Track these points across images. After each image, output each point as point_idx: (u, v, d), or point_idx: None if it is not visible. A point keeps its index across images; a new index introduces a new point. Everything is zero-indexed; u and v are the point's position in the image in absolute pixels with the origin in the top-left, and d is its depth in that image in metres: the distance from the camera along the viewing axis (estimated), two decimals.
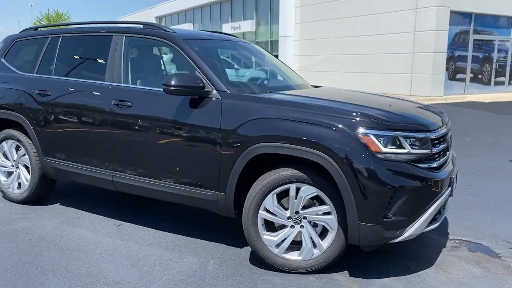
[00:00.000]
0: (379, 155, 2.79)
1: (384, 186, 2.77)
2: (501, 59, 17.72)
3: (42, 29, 4.62)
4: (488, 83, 17.53)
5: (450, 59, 16.15)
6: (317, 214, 3.02)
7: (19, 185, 4.46)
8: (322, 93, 3.89)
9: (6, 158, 4.51)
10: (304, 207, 3.04)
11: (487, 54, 17.25)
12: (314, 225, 3.07)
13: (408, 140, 2.87)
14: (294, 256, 3.09)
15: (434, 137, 3.00)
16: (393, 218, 2.83)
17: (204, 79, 3.33)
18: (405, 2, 16.00)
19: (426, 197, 2.90)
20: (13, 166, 4.47)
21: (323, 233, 3.08)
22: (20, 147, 4.38)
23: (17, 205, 4.39)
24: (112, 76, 3.77)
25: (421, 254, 3.41)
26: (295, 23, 21.46)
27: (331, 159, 2.82)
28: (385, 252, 3.38)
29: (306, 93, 3.80)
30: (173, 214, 4.23)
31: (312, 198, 3.03)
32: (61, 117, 3.98)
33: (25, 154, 4.33)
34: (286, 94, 3.58)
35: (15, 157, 4.42)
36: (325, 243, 3.03)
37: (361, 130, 2.82)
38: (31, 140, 4.24)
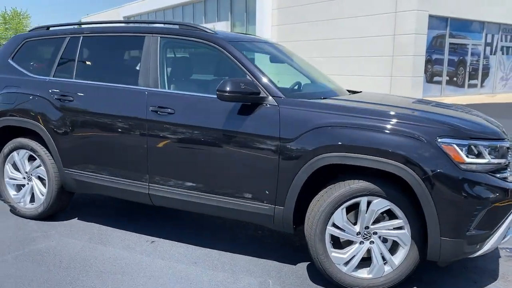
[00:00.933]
0: (462, 166, 2.64)
1: (469, 199, 2.63)
2: (474, 62, 18.21)
3: (54, 28, 4.23)
4: (462, 86, 17.99)
5: (428, 62, 16.44)
6: (388, 229, 2.84)
7: (32, 199, 4.07)
8: (379, 99, 3.70)
9: (17, 169, 4.10)
10: (373, 222, 2.85)
11: (461, 58, 17.68)
12: (384, 241, 2.89)
13: (487, 149, 2.74)
14: (363, 274, 2.90)
15: (507, 145, 2.88)
16: (474, 232, 2.70)
17: (258, 84, 3.10)
18: (384, 6, 16.17)
19: (504, 209, 2.78)
20: (24, 178, 4.07)
21: (393, 248, 2.90)
22: (33, 157, 3.99)
23: (31, 221, 4.00)
24: (147, 80, 3.47)
25: (480, 266, 3.30)
26: (272, 25, 21.32)
27: (411, 170, 2.65)
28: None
29: (364, 98, 3.60)
30: (209, 228, 3.96)
31: (381, 212, 2.85)
32: (87, 124, 3.64)
33: (40, 165, 3.94)
34: (345, 100, 3.38)
35: (28, 168, 4.03)
36: (397, 260, 2.86)
37: (442, 139, 2.67)
38: (48, 150, 3.86)
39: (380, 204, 2.79)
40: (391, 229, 2.84)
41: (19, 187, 4.16)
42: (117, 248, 3.49)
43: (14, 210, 4.12)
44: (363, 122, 2.82)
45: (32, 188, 4.04)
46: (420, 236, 2.79)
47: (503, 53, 19.36)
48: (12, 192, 4.13)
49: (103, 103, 3.59)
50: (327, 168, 2.90)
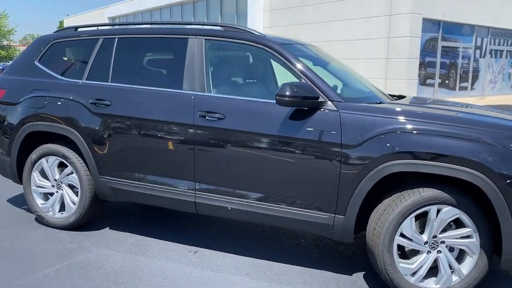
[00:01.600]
0: None
1: None
2: (465, 65, 18.46)
3: (82, 29, 4.05)
4: (454, 88, 18.21)
5: (421, 65, 16.58)
6: (457, 238, 2.76)
7: (61, 208, 3.88)
8: (438, 104, 3.62)
9: (45, 177, 3.90)
10: (441, 231, 2.78)
11: (453, 61, 17.90)
12: (450, 250, 2.82)
13: None
14: (431, 284, 2.82)
15: None
16: None
17: (316, 88, 3.00)
18: (378, 9, 16.25)
19: None
20: (53, 186, 3.87)
21: (459, 257, 2.83)
22: (63, 164, 3.80)
23: (62, 232, 3.81)
24: (192, 84, 3.33)
25: None
26: (264, 27, 21.24)
27: (487, 177, 2.58)
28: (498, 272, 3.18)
29: (421, 103, 3.51)
30: (248, 236, 3.83)
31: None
32: (126, 130, 3.47)
33: (72, 173, 3.76)
34: (407, 105, 3.30)
35: (57, 176, 3.84)
36: (465, 269, 2.78)
37: None
38: (82, 156, 3.68)
39: (450, 213, 2.72)
40: (459, 238, 2.76)
41: (46, 196, 3.96)
42: (161, 260, 3.33)
43: (41, 220, 3.91)
44: (433, 128, 2.74)
45: (61, 197, 3.85)
46: (489, 244, 2.72)
47: (491, 56, 19.69)
48: (39, 201, 3.92)
49: (145, 108, 3.43)
50: (390, 175, 2.81)
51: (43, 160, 3.83)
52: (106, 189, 3.62)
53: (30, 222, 4.01)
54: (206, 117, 3.20)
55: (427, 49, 16.77)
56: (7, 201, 4.59)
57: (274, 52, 3.20)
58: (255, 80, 3.89)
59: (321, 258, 3.45)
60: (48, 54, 3.98)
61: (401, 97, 3.88)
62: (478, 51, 18.92)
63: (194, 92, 3.30)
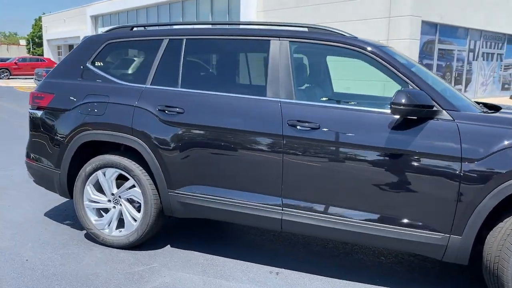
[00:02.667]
0: None
1: None
2: (459, 68, 18.62)
3: (139, 29, 3.70)
4: None
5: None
6: None
7: (120, 225, 3.52)
8: None
9: (100, 191, 3.54)
10: None
11: (448, 63, 18.02)
12: None
13: None
14: None
15: None
16: None
17: (429, 96, 2.75)
18: (378, 11, 16.19)
19: None
20: (109, 201, 3.51)
21: None
22: (122, 177, 3.45)
23: (122, 252, 3.46)
24: (277, 90, 3.04)
25: None
26: None
27: None
28: None
29: None
30: (328, 254, 3.56)
31: None
32: (202, 141, 3.15)
33: (133, 186, 3.41)
34: None
35: (115, 190, 3.48)
36: None
37: None
38: (147, 169, 3.34)
39: None
40: None
41: (99, 212, 3.60)
42: (244, 283, 3.03)
43: (96, 238, 3.55)
44: None
45: (119, 213, 3.50)
46: None
47: (483, 59, 19.92)
48: (92, 217, 3.56)
49: (223, 116, 3.11)
50: None
51: (99, 172, 3.47)
52: (175, 205, 3.29)
53: (80, 240, 3.64)
54: (298, 126, 2.91)
55: (425, 51, 16.82)
56: (45, 215, 4.19)
57: (373, 55, 2.95)
58: (347, 86, 3.62)
59: (410, 277, 3.20)
60: (102, 56, 3.62)
61: (492, 106, 3.62)
62: (471, 54, 19.12)
63: (281, 99, 3.01)
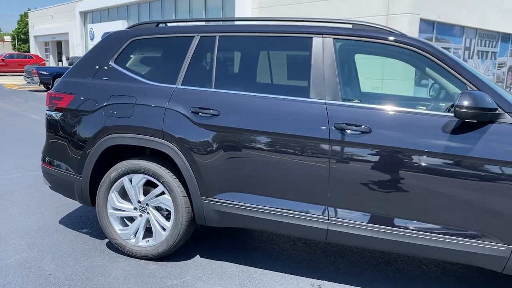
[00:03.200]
0: None
1: None
2: None
3: (164, 25, 3.48)
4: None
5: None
6: None
7: (146, 235, 3.30)
8: None
9: (126, 198, 3.32)
10: None
11: None
12: None
13: None
14: None
15: None
16: None
17: (491, 98, 2.57)
18: (375, 9, 16.10)
19: None
20: (135, 209, 3.29)
21: None
22: (149, 184, 3.23)
23: (150, 264, 3.24)
24: (322, 91, 2.85)
25: None
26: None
27: None
28: None
29: None
30: (368, 264, 3.38)
31: None
32: (240, 145, 2.94)
33: (162, 194, 3.19)
34: None
35: (142, 197, 3.25)
36: None
37: None
38: (179, 174, 3.13)
39: None
40: None
41: (124, 220, 3.37)
42: None
43: (121, 249, 3.32)
44: None
45: (147, 222, 3.27)
46: None
47: (478, 57, 19.97)
48: (117, 227, 3.33)
49: (263, 119, 2.90)
50: None
51: (125, 178, 3.24)
52: (209, 213, 3.08)
53: (103, 251, 3.40)
54: (346, 130, 2.72)
55: None
56: (60, 223, 3.94)
57: (427, 54, 2.76)
58: (396, 87, 3.43)
59: None
60: (127, 54, 3.39)
61: None
62: (467, 52, 19.15)
63: (327, 101, 2.82)
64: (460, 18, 17.82)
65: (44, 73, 18.79)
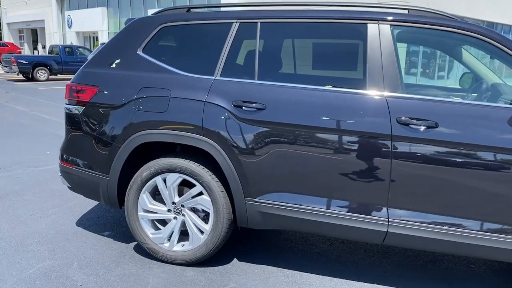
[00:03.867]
0: None
1: None
2: (443, 54, 18.71)
3: (197, 10, 3.20)
4: (433, 77, 18.41)
5: (406, 54, 16.55)
6: None
7: (181, 239, 3.06)
8: None
9: (159, 199, 3.06)
10: None
11: (433, 50, 18.05)
12: None
13: None
14: None
15: None
16: None
17: None
18: None
19: None
20: (169, 211, 3.03)
21: None
22: (186, 183, 2.98)
23: (187, 270, 3.01)
24: (380, 82, 2.64)
25: None
26: None
27: None
28: None
29: None
30: (414, 264, 3.21)
31: None
32: (288, 142, 2.72)
33: (200, 194, 2.94)
34: None
35: (176, 198, 3.00)
36: None
37: None
38: (220, 174, 2.89)
39: None
40: None
41: (156, 223, 3.12)
42: None
43: (154, 254, 3.07)
44: None
45: (182, 224, 3.03)
46: None
47: None
48: (148, 230, 3.08)
49: (314, 114, 2.68)
50: None
51: (159, 178, 2.98)
52: (253, 215, 2.86)
53: (132, 256, 3.15)
54: (410, 125, 2.52)
55: None
56: (78, 225, 3.65)
57: (493, 41, 2.57)
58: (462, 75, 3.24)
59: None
60: (156, 42, 3.10)
61: None
62: None
63: (386, 93, 2.61)
64: (448, 7, 17.87)
65: (23, 61, 18.07)
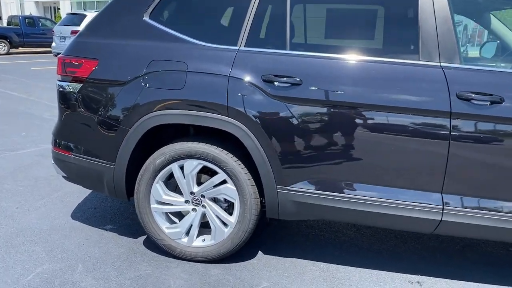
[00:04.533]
0: None
1: None
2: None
3: None
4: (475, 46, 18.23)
5: None
6: None
7: (200, 233, 2.71)
8: None
9: (175, 189, 2.68)
10: None
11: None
12: None
13: None
14: None
15: None
16: None
17: None
18: None
19: None
20: (187, 202, 2.66)
21: None
22: (206, 171, 2.61)
23: (211, 268, 2.66)
24: (435, 52, 2.30)
25: None
26: None
27: None
28: None
29: None
30: (457, 250, 2.97)
31: None
32: (330, 122, 2.38)
33: (223, 183, 2.58)
34: None
35: (195, 188, 2.62)
36: None
37: None
38: (247, 159, 2.52)
39: None
40: None
41: (170, 216, 2.74)
42: None
43: (171, 252, 2.70)
44: None
45: (203, 217, 2.66)
46: None
47: None
48: (163, 224, 2.70)
49: (358, 89, 2.33)
50: None
51: (175, 165, 2.59)
52: (286, 205, 2.52)
53: (144, 254, 2.78)
54: (472, 100, 2.21)
55: None
56: (73, 219, 3.23)
57: None
58: None
59: None
60: (165, 5, 2.65)
61: None
62: None
63: (443, 64, 2.28)
64: None
65: None
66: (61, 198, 3.57)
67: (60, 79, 2.72)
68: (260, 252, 2.85)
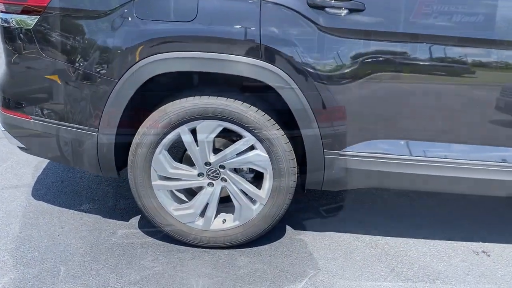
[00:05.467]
0: None
1: None
2: None
3: None
4: None
5: None
6: None
7: (218, 213, 2.10)
8: None
9: (187, 159, 2.01)
10: None
11: None
12: None
13: None
14: None
15: None
16: None
17: None
18: None
19: None
20: (201, 175, 2.01)
21: None
22: (224, 135, 1.96)
23: (237, 255, 2.08)
24: None
25: None
26: None
27: None
28: None
29: None
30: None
31: None
32: (403, 62, 1.77)
33: (251, 149, 1.94)
34: None
35: (212, 157, 1.97)
36: None
37: None
38: (287, 118, 1.90)
39: None
40: None
41: (173, 194, 2.09)
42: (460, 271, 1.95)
43: (182, 239, 2.08)
44: None
45: (219, 193, 2.04)
46: None
47: None
48: (170, 205, 2.05)
49: (438, 18, 1.74)
50: None
51: (184, 129, 1.90)
52: (335, 172, 1.95)
53: (145, 244, 2.14)
54: None
55: None
56: (36, 199, 2.48)
57: None
58: None
59: None
60: None
61: None
62: None
63: None
64: None
65: None
66: (12, 169, 2.77)
67: (4, 10, 1.87)
68: (289, 228, 2.30)
